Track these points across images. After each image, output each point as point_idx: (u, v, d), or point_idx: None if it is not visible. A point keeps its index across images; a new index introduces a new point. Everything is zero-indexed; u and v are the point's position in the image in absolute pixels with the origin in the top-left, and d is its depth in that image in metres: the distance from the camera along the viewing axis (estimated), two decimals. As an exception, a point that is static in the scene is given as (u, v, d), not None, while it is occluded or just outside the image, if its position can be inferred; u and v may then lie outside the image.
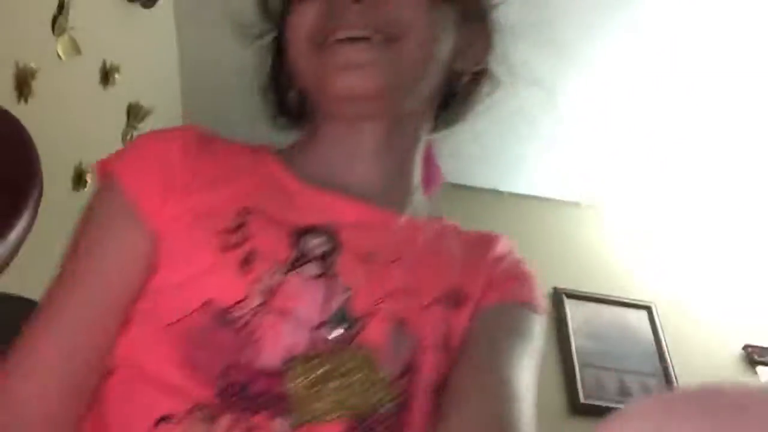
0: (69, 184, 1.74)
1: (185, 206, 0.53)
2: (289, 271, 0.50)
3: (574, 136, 2.73)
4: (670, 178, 2.91)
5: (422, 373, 0.50)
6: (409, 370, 0.49)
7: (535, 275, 0.62)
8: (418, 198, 0.64)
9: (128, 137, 2.15)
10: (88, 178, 1.81)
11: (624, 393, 2.46)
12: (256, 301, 0.48)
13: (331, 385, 0.46)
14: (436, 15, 0.57)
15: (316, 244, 0.53)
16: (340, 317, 0.49)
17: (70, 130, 1.69)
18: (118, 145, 2.11)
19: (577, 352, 2.53)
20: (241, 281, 0.48)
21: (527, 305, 0.59)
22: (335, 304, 0.49)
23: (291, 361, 0.46)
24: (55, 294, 0.53)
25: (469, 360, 0.53)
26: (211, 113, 2.84)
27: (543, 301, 0.61)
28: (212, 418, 0.44)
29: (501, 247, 0.63)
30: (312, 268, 0.51)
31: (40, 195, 0.67)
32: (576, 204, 3.07)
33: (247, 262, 0.49)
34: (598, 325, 2.66)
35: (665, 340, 2.66)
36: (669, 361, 2.58)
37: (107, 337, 0.50)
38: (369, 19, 0.54)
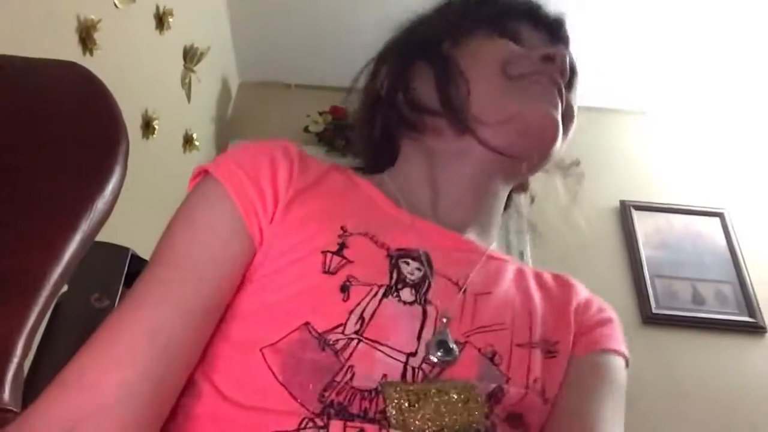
0: (138, 132, 1.80)
1: (288, 222, 0.54)
2: (385, 296, 0.50)
3: (635, 44, 2.60)
4: (737, 81, 2.75)
5: (507, 405, 0.50)
6: (496, 401, 0.49)
7: (617, 320, 0.63)
8: (495, 237, 0.66)
9: (186, 80, 2.18)
10: (156, 124, 1.86)
11: (698, 301, 2.44)
12: (352, 327, 0.48)
13: (429, 407, 0.46)
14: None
15: (411, 269, 0.53)
16: (434, 346, 0.49)
17: (133, 78, 1.73)
18: (179, 90, 2.15)
19: (647, 263, 2.50)
20: (339, 307, 0.49)
21: (615, 353, 0.60)
22: (428, 333, 0.50)
23: (385, 387, 0.46)
24: (149, 287, 0.51)
25: (563, 412, 0.53)
26: (263, 51, 2.85)
27: (625, 347, 0.62)
28: (323, 429, 0.44)
29: (582, 293, 0.64)
30: (407, 295, 0.51)
31: (128, 147, 0.70)
32: (641, 112, 2.96)
33: (346, 287, 0.50)
34: (668, 235, 2.61)
35: (739, 246, 2.59)
36: (744, 267, 2.53)
37: (197, 339, 0.49)
38: (562, 84, 0.62)
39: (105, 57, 1.50)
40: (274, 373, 0.46)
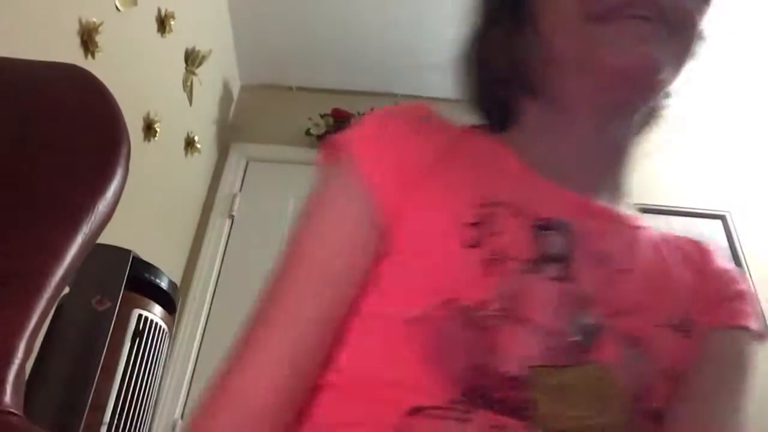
0: (140, 135, 1.80)
1: (424, 194, 0.51)
2: (529, 272, 0.48)
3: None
4: (739, 84, 2.75)
5: (650, 398, 0.47)
6: (638, 390, 0.47)
7: (753, 294, 0.59)
8: (625, 192, 0.62)
9: (188, 83, 2.18)
10: (157, 127, 1.87)
11: (700, 304, 2.43)
12: (496, 304, 0.45)
13: (572, 398, 0.44)
14: (702, 21, 0.55)
15: (554, 243, 0.50)
16: (577, 327, 0.47)
17: (134, 81, 1.74)
18: (180, 92, 2.16)
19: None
20: (484, 282, 0.46)
21: (751, 332, 0.55)
22: (573, 312, 0.47)
23: (530, 370, 0.44)
24: (283, 285, 0.51)
25: (691, 393, 0.50)
26: (264, 53, 2.85)
27: (763, 325, 0.57)
28: (466, 415, 0.42)
29: (720, 260, 0.60)
30: (551, 270, 0.48)
31: (129, 149, 0.70)
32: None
33: (491, 261, 0.47)
34: (670, 238, 2.61)
35: (741, 249, 2.59)
36: (746, 269, 2.53)
37: (333, 332, 0.49)
38: (664, 7, 0.51)
39: (107, 60, 1.51)
40: (414, 349, 0.45)
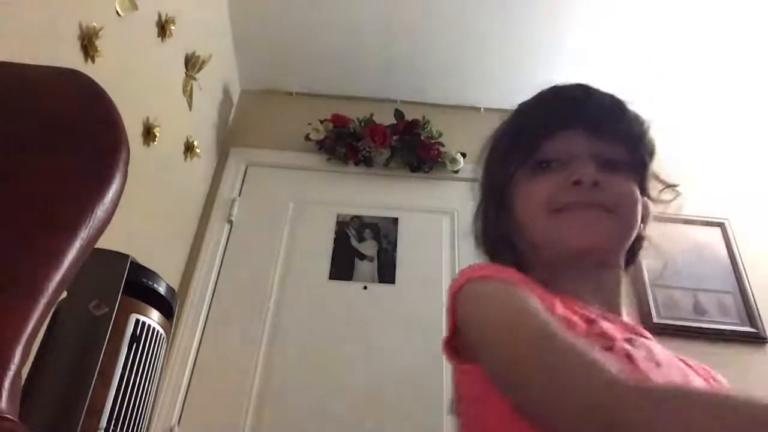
0: (139, 139, 1.80)
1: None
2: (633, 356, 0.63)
3: (634, 44, 2.60)
4: (737, 89, 2.75)
5: None
6: None
7: None
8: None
9: (188, 88, 2.18)
10: (157, 132, 1.87)
11: (699, 311, 2.43)
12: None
13: None
14: (638, 199, 0.79)
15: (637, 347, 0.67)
16: None
17: (134, 85, 1.74)
18: (180, 97, 2.16)
19: (648, 272, 2.50)
20: (635, 369, 0.61)
21: None
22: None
23: None
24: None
25: None
26: (264, 58, 2.86)
27: None
28: None
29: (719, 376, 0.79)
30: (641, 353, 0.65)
31: (129, 154, 0.70)
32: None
33: (629, 357, 0.62)
34: (669, 246, 2.60)
35: (740, 256, 2.59)
36: (745, 277, 2.52)
37: None
38: (600, 198, 0.74)
39: (106, 64, 1.51)
40: None
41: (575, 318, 0.67)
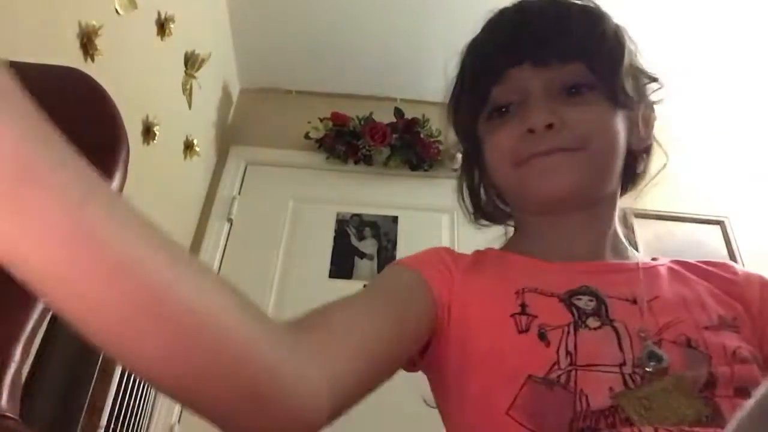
0: (139, 138, 1.80)
1: (467, 295, 0.64)
2: (576, 329, 0.58)
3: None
4: (737, 87, 2.75)
5: (721, 384, 0.54)
6: (709, 383, 0.54)
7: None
8: (627, 247, 0.74)
9: (187, 86, 2.18)
10: (156, 130, 1.87)
11: (698, 309, 2.43)
12: (564, 362, 0.56)
13: (661, 404, 0.53)
14: (612, 120, 0.68)
15: (585, 302, 0.61)
16: (645, 359, 0.56)
17: (134, 84, 1.74)
18: (179, 96, 2.16)
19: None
20: (547, 351, 0.57)
21: None
22: (627, 343, 0.57)
23: (617, 398, 0.53)
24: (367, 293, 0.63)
25: None
26: (263, 57, 2.86)
27: None
28: None
29: (738, 267, 0.72)
30: (593, 322, 0.59)
31: (128, 152, 0.70)
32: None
33: (543, 335, 0.58)
34: (669, 243, 2.61)
35: (740, 255, 2.59)
36: (744, 275, 2.53)
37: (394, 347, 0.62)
38: (558, 140, 0.66)
39: (106, 63, 1.51)
40: (525, 426, 0.53)
41: (489, 300, 0.64)
